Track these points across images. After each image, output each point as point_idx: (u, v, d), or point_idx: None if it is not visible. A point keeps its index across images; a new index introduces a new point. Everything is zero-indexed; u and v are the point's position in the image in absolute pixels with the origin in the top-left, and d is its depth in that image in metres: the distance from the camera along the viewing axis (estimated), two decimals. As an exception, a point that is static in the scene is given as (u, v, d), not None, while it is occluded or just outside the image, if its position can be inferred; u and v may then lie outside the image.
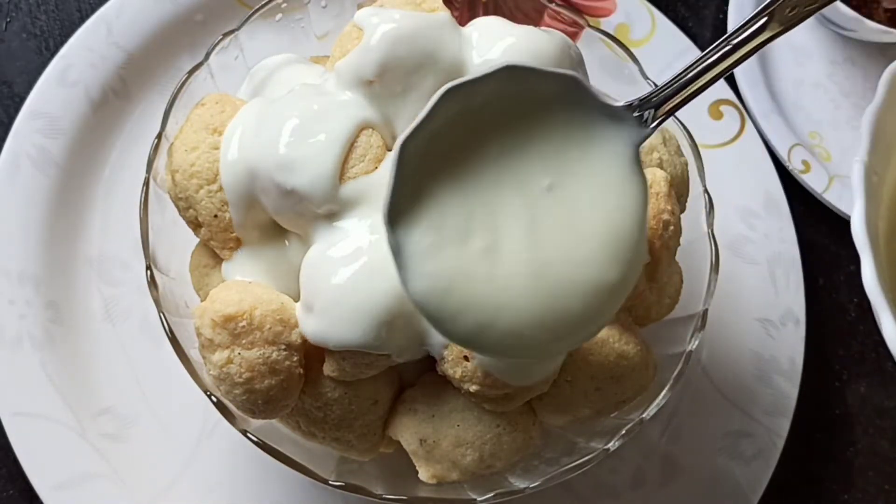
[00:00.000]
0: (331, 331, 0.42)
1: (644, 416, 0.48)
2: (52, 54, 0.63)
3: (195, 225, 0.48)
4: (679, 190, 0.51)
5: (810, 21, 0.74)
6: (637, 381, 0.48)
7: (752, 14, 0.39)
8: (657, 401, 0.49)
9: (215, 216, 0.47)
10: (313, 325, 0.43)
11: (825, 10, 0.70)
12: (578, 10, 0.62)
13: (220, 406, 0.46)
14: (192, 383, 0.46)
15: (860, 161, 0.44)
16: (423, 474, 0.48)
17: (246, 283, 0.46)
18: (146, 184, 0.49)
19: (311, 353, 0.45)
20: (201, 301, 0.48)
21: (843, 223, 0.70)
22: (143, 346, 0.60)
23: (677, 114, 0.53)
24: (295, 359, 0.44)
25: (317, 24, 0.55)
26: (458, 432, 0.46)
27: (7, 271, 0.59)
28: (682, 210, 0.51)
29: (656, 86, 0.53)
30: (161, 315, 0.47)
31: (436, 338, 0.43)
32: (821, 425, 0.66)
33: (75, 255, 0.62)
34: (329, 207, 0.44)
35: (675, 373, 0.49)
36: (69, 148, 0.62)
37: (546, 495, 0.50)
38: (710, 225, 0.52)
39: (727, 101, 0.69)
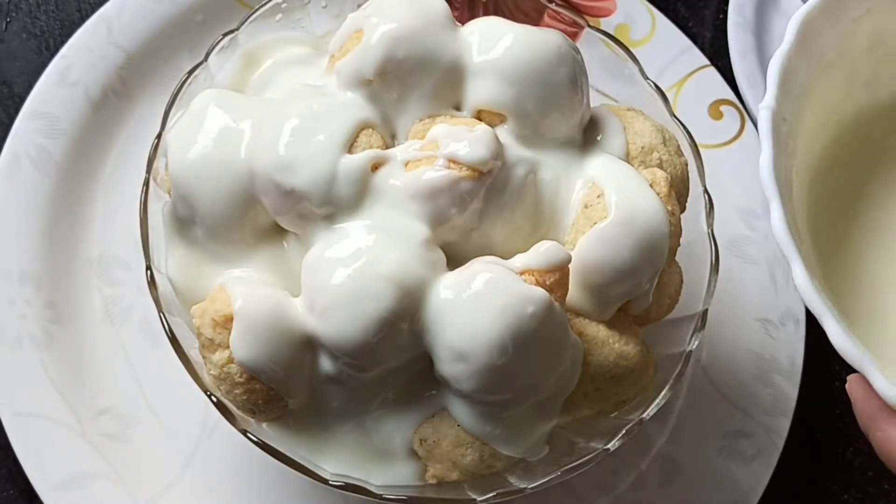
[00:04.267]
0: (332, 330, 0.42)
1: (644, 416, 0.48)
2: (52, 54, 0.63)
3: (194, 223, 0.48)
4: (679, 190, 0.51)
5: (810, 21, 0.74)
6: (637, 381, 0.48)
7: None
8: (657, 401, 0.49)
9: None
10: (314, 325, 0.43)
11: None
12: (578, 10, 0.62)
13: (220, 406, 0.46)
14: (192, 383, 0.46)
15: (767, 108, 0.42)
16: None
17: (246, 282, 0.46)
18: (146, 184, 0.49)
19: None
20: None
21: (843, 223, 0.70)
22: (143, 346, 0.60)
23: (677, 114, 0.54)
24: (295, 359, 0.44)
25: (317, 24, 0.55)
26: (458, 432, 0.46)
27: (7, 271, 0.59)
28: (682, 210, 0.51)
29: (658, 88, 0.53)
30: (161, 315, 0.47)
31: (433, 338, 0.43)
32: (821, 425, 0.66)
33: (75, 255, 0.62)
34: (329, 208, 0.44)
35: (675, 373, 0.49)
36: (69, 148, 0.62)
37: (546, 495, 0.50)
38: (710, 225, 0.52)
39: (727, 101, 0.69)
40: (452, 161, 0.44)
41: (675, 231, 0.47)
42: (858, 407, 0.42)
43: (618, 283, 0.46)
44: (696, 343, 0.50)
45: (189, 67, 0.51)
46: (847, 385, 0.44)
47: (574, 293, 0.45)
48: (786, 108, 0.43)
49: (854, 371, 0.41)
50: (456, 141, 0.44)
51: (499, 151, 0.45)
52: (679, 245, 0.49)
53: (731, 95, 0.69)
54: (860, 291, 0.47)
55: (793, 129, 0.44)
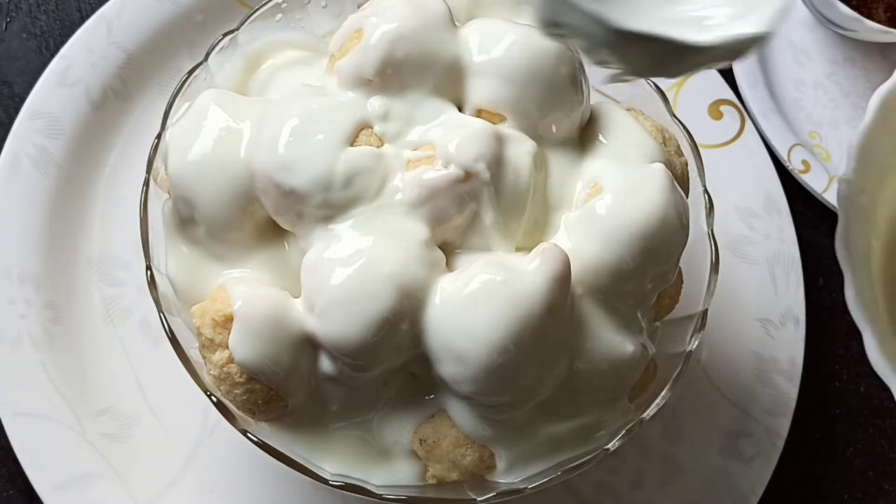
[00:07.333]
0: (331, 330, 0.42)
1: (644, 416, 0.48)
2: (52, 54, 0.63)
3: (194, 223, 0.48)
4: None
5: (810, 21, 0.74)
6: (637, 381, 0.48)
7: None
8: (657, 401, 0.49)
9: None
10: (314, 325, 0.43)
11: (825, 10, 0.70)
12: (578, 10, 0.62)
13: (220, 406, 0.46)
14: (192, 383, 0.46)
15: (845, 181, 0.44)
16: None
17: (246, 282, 0.46)
18: (146, 184, 0.49)
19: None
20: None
21: (843, 223, 0.70)
22: (143, 346, 0.60)
23: (677, 114, 0.54)
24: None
25: (317, 24, 0.55)
26: (458, 432, 0.46)
27: (7, 271, 0.59)
28: (682, 210, 0.51)
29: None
30: (161, 315, 0.47)
31: (431, 339, 0.43)
32: (821, 425, 0.66)
33: (75, 255, 0.62)
34: (328, 209, 0.44)
35: (676, 373, 0.49)
36: (69, 148, 0.62)
37: (546, 495, 0.50)
38: (710, 225, 0.52)
39: (727, 101, 0.69)
40: (451, 161, 0.44)
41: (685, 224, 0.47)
42: None
43: (621, 283, 0.45)
44: (696, 343, 0.50)
45: (189, 67, 0.51)
46: None
47: (576, 291, 0.45)
48: (866, 182, 0.44)
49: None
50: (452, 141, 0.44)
51: (495, 150, 0.44)
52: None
53: (731, 95, 0.69)
54: None
55: (873, 200, 0.45)
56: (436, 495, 0.47)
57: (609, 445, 0.47)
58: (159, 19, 0.65)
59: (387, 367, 0.44)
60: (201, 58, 0.52)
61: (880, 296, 0.46)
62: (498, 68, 0.46)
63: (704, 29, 0.36)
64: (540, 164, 0.47)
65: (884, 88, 0.46)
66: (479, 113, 0.47)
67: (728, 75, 0.70)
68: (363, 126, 0.46)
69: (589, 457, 0.47)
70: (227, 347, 0.43)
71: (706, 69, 0.37)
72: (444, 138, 0.45)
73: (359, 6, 0.50)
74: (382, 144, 0.46)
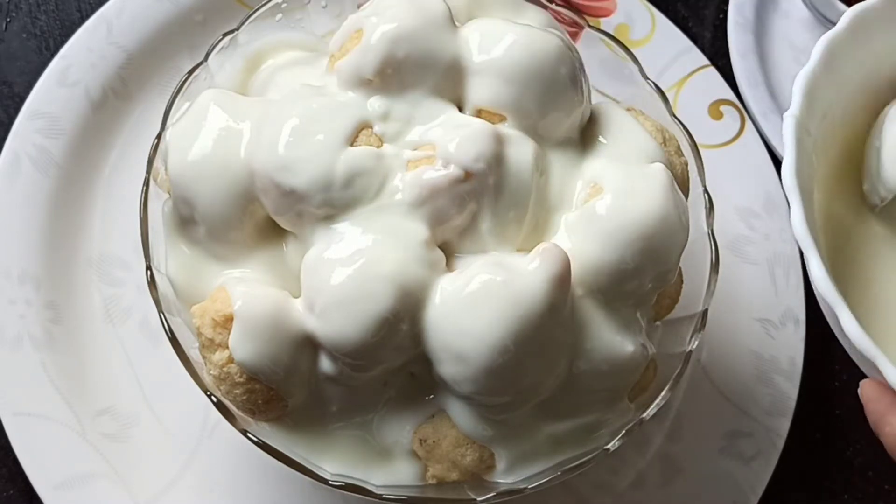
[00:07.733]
0: (331, 330, 0.42)
1: (644, 416, 0.48)
2: (52, 54, 0.63)
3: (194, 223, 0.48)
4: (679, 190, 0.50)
5: (810, 20, 0.74)
6: (637, 382, 0.48)
7: None
8: (657, 401, 0.49)
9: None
10: (314, 325, 0.43)
11: (825, 10, 0.70)
12: (578, 10, 0.62)
13: (220, 406, 0.46)
14: (192, 383, 0.46)
15: (792, 116, 0.44)
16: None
17: (246, 282, 0.46)
18: (146, 184, 0.49)
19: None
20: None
21: (843, 223, 0.70)
22: (143, 346, 0.60)
23: (677, 114, 0.54)
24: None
25: (317, 24, 0.55)
26: (458, 432, 0.46)
27: (7, 271, 0.59)
28: (682, 210, 0.51)
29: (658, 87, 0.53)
30: (161, 315, 0.47)
31: (433, 339, 0.43)
32: (821, 425, 0.66)
33: (75, 255, 0.62)
34: (328, 208, 0.44)
35: (675, 373, 0.49)
36: (69, 148, 0.62)
37: (546, 495, 0.50)
38: (710, 225, 0.52)
39: (727, 101, 0.69)
40: (451, 161, 0.44)
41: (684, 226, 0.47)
42: (870, 408, 0.43)
43: (621, 283, 0.45)
44: (696, 343, 0.50)
45: (189, 67, 0.51)
46: (859, 389, 0.44)
47: (576, 291, 0.45)
48: (810, 123, 0.44)
49: (862, 375, 0.41)
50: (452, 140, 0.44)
51: (495, 150, 0.44)
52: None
53: (731, 95, 0.69)
54: (867, 293, 0.47)
55: (816, 144, 0.45)
56: (436, 495, 0.47)
57: (609, 445, 0.47)
58: (159, 19, 0.65)
59: (387, 367, 0.44)
60: (201, 58, 0.52)
61: (818, 234, 0.46)
62: (498, 68, 0.46)
63: None
64: (541, 165, 0.47)
65: (828, 35, 0.46)
66: (479, 113, 0.47)
67: (728, 75, 0.70)
68: (363, 126, 0.46)
69: (589, 457, 0.47)
70: (227, 347, 0.43)
71: None
72: (444, 138, 0.45)
73: (359, 6, 0.50)
74: (382, 144, 0.46)
